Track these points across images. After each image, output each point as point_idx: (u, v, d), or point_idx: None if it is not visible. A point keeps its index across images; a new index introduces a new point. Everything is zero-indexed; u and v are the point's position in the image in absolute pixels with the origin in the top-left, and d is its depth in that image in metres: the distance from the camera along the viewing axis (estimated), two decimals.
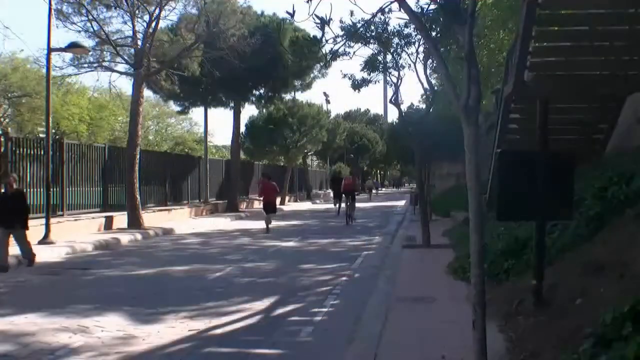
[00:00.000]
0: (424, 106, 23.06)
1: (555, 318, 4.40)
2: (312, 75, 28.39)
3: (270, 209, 16.60)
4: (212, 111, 36.70)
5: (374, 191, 44.89)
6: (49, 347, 4.91)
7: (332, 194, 26.09)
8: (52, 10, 12.76)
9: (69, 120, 31.61)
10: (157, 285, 7.91)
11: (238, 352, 4.90)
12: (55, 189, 13.79)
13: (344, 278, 8.42)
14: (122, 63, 16.73)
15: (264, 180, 18.04)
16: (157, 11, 15.84)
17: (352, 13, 11.45)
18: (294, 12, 3.96)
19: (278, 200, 32.26)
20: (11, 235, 9.35)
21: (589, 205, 6.06)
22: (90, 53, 15.45)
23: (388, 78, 12.81)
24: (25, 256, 9.53)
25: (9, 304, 6.63)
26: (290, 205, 32.55)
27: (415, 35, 11.39)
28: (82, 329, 5.47)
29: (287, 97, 31.65)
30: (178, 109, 29.69)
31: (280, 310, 6.35)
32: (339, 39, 5.09)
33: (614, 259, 4.65)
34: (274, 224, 16.66)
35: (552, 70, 8.54)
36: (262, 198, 17.75)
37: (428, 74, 12.28)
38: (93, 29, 15.55)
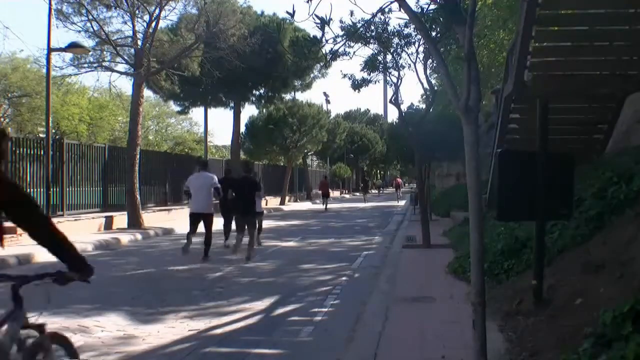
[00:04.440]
0: (424, 106, 23.07)
1: (555, 318, 4.40)
2: (312, 75, 28.46)
3: (326, 195, 28.76)
4: (212, 111, 36.79)
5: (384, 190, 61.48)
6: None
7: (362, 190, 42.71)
8: (52, 10, 12.78)
9: (69, 120, 31.61)
10: (157, 285, 7.91)
11: (238, 352, 4.89)
12: (55, 189, 13.80)
13: (344, 278, 8.42)
14: (122, 63, 16.75)
15: (323, 180, 31.81)
16: (157, 11, 15.85)
17: (352, 13, 11.47)
18: (294, 12, 3.96)
19: (278, 200, 32.54)
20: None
21: (589, 205, 6.06)
22: (90, 53, 15.47)
23: (388, 78, 12.82)
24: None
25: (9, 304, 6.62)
26: (290, 205, 32.55)
27: (415, 35, 11.39)
28: (82, 329, 5.46)
29: (287, 97, 31.72)
30: (178, 109, 29.75)
31: (280, 310, 6.34)
32: (339, 39, 5.10)
33: (614, 259, 4.65)
34: (274, 224, 16.67)
35: (552, 70, 8.53)
36: (321, 190, 30.83)
37: (428, 74, 12.29)
38: (93, 29, 15.57)
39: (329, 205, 29.08)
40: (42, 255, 10.27)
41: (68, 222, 13.85)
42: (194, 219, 10.06)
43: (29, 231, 2.53)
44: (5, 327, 2.36)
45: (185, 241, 9.96)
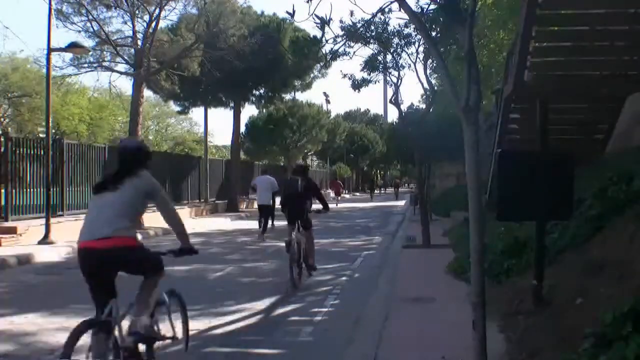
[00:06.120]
0: (424, 106, 23.06)
1: (555, 318, 4.40)
2: (312, 75, 28.41)
3: (337, 194, 33.62)
4: (212, 111, 36.73)
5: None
6: (49, 347, 4.90)
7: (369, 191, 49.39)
8: (52, 10, 12.76)
9: (69, 120, 31.64)
10: None
11: (238, 352, 4.90)
12: (55, 189, 13.78)
13: (344, 278, 8.42)
14: (122, 63, 16.76)
15: (334, 180, 37.18)
16: (157, 11, 15.85)
17: (352, 13, 11.51)
18: (294, 12, 3.96)
19: (278, 199, 33.00)
20: None
21: (589, 205, 6.05)
22: (90, 53, 15.46)
23: (388, 78, 12.82)
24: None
25: (9, 304, 6.63)
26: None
27: (415, 35, 11.39)
28: None
29: (287, 97, 31.68)
30: (178, 109, 29.70)
31: (280, 310, 6.35)
32: (339, 39, 5.11)
33: (614, 259, 4.65)
34: (274, 223, 16.69)
35: (552, 70, 8.54)
36: (333, 189, 35.27)
37: (428, 74, 12.29)
38: (93, 29, 15.57)
39: (335, 204, 31.59)
40: (42, 255, 10.28)
41: (68, 222, 13.83)
42: (261, 209, 13.98)
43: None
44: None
45: (259, 227, 13.90)
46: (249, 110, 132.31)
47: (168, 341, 3.97)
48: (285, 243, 7.62)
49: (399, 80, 12.40)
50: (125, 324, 3.54)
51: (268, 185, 14.04)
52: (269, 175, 14.84)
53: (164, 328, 3.87)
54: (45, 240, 11.72)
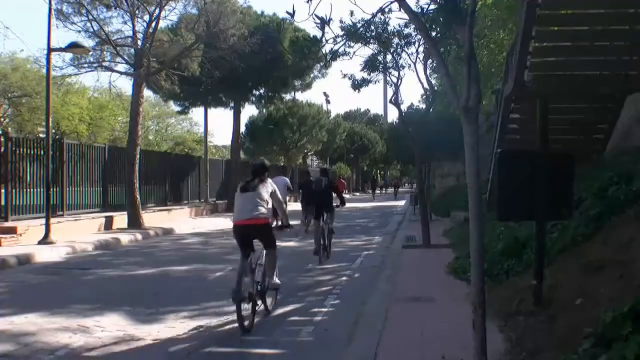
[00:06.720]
0: (424, 106, 23.09)
1: (555, 318, 4.40)
2: (312, 75, 28.42)
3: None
4: (212, 111, 36.77)
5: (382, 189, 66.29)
6: (49, 347, 4.91)
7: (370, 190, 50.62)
8: (52, 10, 12.76)
9: (69, 120, 31.59)
10: (157, 285, 7.91)
11: (238, 352, 4.90)
12: (55, 189, 13.79)
13: (344, 278, 8.42)
14: (122, 63, 16.74)
15: (338, 180, 33.61)
16: (157, 11, 15.84)
17: (352, 13, 11.46)
18: (294, 12, 3.96)
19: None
20: None
21: (589, 205, 6.06)
22: (90, 53, 15.44)
23: (388, 78, 12.79)
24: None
25: (9, 304, 6.63)
26: (291, 205, 32.51)
27: (415, 35, 11.37)
28: (82, 329, 5.47)
29: (287, 97, 31.69)
30: (178, 109, 29.72)
31: (280, 310, 6.35)
32: (339, 39, 5.11)
33: (614, 259, 4.65)
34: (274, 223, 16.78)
35: (552, 70, 8.53)
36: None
37: (428, 74, 12.27)
38: (93, 29, 15.56)
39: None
40: (42, 255, 10.28)
41: (68, 222, 13.85)
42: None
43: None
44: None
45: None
46: (249, 110, 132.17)
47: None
48: (315, 240, 9.84)
49: (399, 80, 12.39)
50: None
51: (283, 186, 15.46)
52: (282, 176, 16.85)
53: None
54: (45, 240, 11.72)
